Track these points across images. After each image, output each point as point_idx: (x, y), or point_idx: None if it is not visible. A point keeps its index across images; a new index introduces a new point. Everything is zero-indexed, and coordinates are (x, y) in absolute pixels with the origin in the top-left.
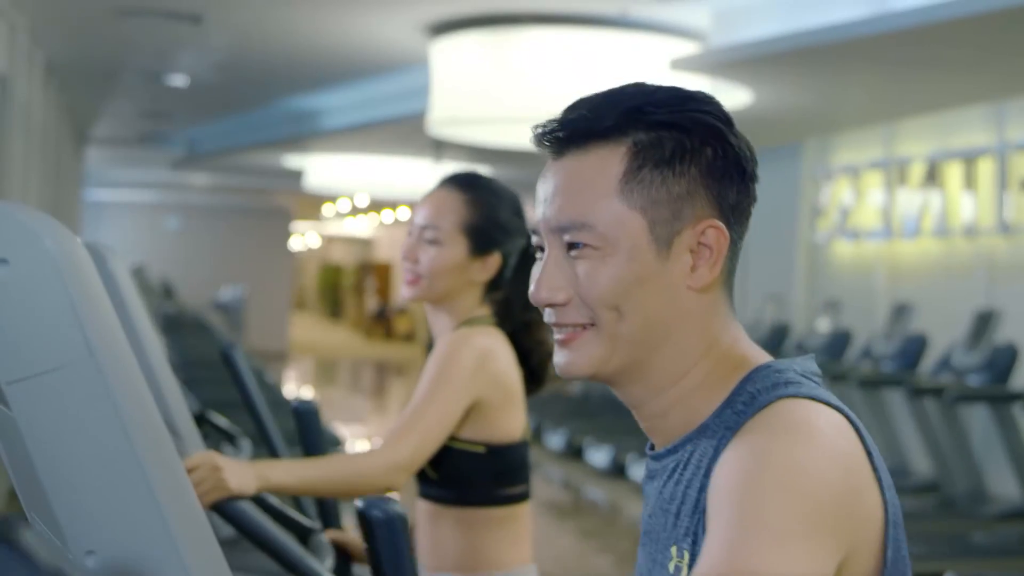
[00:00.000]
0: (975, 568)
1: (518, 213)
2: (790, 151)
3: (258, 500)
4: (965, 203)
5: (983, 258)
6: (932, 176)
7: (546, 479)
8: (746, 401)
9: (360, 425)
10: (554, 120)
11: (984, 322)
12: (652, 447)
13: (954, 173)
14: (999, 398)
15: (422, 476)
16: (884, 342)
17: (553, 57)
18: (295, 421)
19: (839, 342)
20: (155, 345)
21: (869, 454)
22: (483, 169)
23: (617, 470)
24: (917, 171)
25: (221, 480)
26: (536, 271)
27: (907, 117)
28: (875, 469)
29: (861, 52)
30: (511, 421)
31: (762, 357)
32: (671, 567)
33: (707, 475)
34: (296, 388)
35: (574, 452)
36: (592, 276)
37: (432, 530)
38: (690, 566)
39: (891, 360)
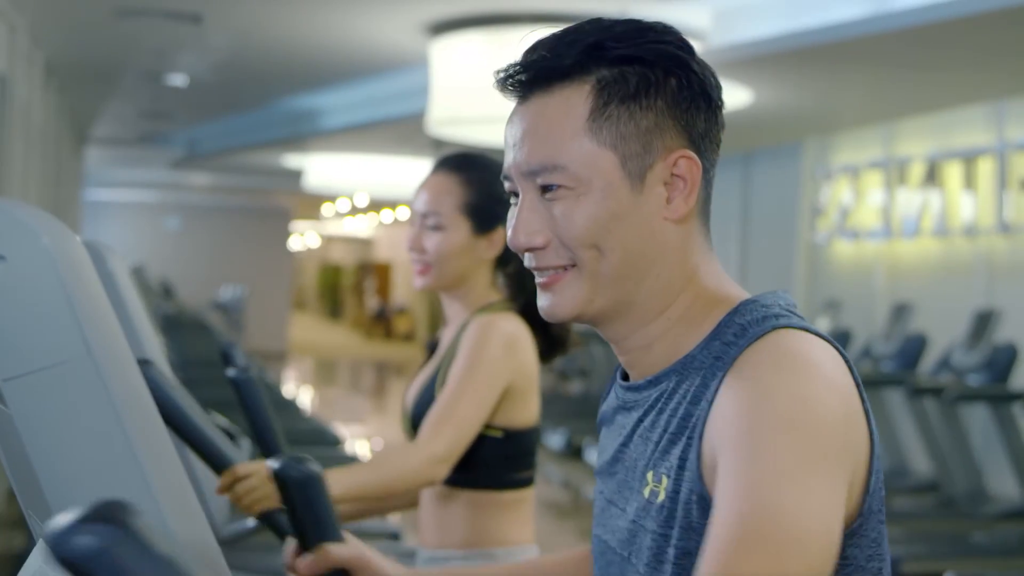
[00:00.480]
0: (975, 568)
1: None
2: (790, 151)
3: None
4: (965, 203)
5: (983, 258)
6: (932, 176)
7: (546, 479)
8: (736, 333)
9: (360, 425)
10: (515, 63)
11: (984, 322)
12: (625, 377)
13: (954, 173)
14: (999, 398)
15: None
16: (884, 342)
17: None
18: (234, 391)
19: (839, 342)
20: (154, 344)
21: (857, 384)
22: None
23: None
24: (917, 171)
25: (273, 491)
26: (511, 217)
27: (907, 117)
28: (862, 399)
29: (861, 52)
30: (530, 407)
31: (743, 293)
32: (646, 492)
33: (694, 403)
34: (296, 388)
35: (574, 452)
36: (569, 216)
37: (439, 510)
38: (668, 491)
39: (891, 360)
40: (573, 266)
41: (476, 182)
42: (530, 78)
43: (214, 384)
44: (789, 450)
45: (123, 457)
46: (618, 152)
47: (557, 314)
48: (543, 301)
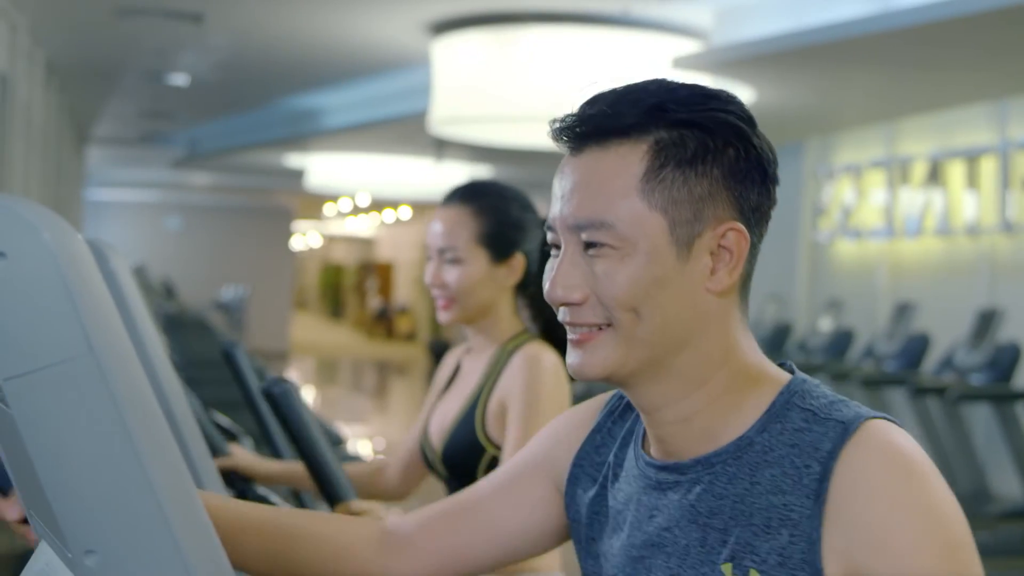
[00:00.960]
0: None
1: (528, 208)
2: (792, 150)
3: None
4: (967, 202)
5: (985, 257)
6: (934, 175)
7: None
8: (808, 419)
9: (362, 425)
10: (572, 115)
11: (986, 321)
12: (649, 456)
13: (956, 172)
14: (1001, 397)
15: (460, 484)
16: (886, 341)
17: (555, 56)
18: (269, 405)
19: (841, 341)
20: (156, 344)
21: None
22: (485, 169)
23: None
24: (919, 170)
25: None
26: (550, 268)
27: (909, 116)
28: None
29: (863, 51)
30: None
31: (775, 368)
32: None
33: (778, 493)
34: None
35: None
36: (611, 276)
37: None
38: None
39: (893, 359)
40: (609, 326)
41: (488, 211)
42: (586, 131)
43: (215, 384)
44: (966, 553)
45: (126, 456)
46: (668, 216)
47: (586, 373)
48: (573, 358)
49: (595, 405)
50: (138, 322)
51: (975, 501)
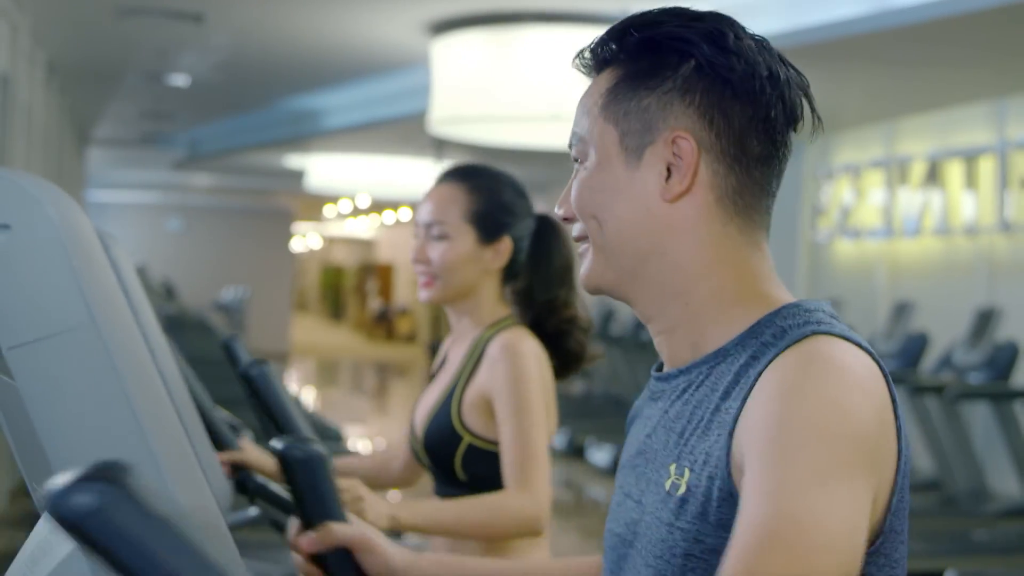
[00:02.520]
0: (976, 565)
1: (521, 194)
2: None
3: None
4: (966, 202)
5: (984, 256)
6: (933, 175)
7: None
8: (775, 334)
9: (362, 426)
10: (587, 46)
11: (985, 320)
12: (659, 368)
13: (955, 172)
14: (1000, 396)
15: (447, 477)
16: (885, 340)
17: (554, 55)
18: (247, 387)
19: None
20: (156, 330)
21: (893, 401)
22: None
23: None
24: (918, 170)
25: (361, 511)
26: None
27: (908, 115)
28: (896, 416)
29: (861, 50)
30: (551, 423)
31: (787, 296)
32: (667, 484)
33: (723, 397)
34: (298, 389)
35: (576, 451)
36: (574, 187)
37: None
38: (689, 484)
39: (892, 358)
40: (586, 238)
41: (483, 190)
42: (585, 63)
43: (216, 382)
44: (818, 456)
45: (127, 424)
46: (619, 128)
47: (583, 284)
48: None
49: None
50: (139, 309)
51: (974, 500)
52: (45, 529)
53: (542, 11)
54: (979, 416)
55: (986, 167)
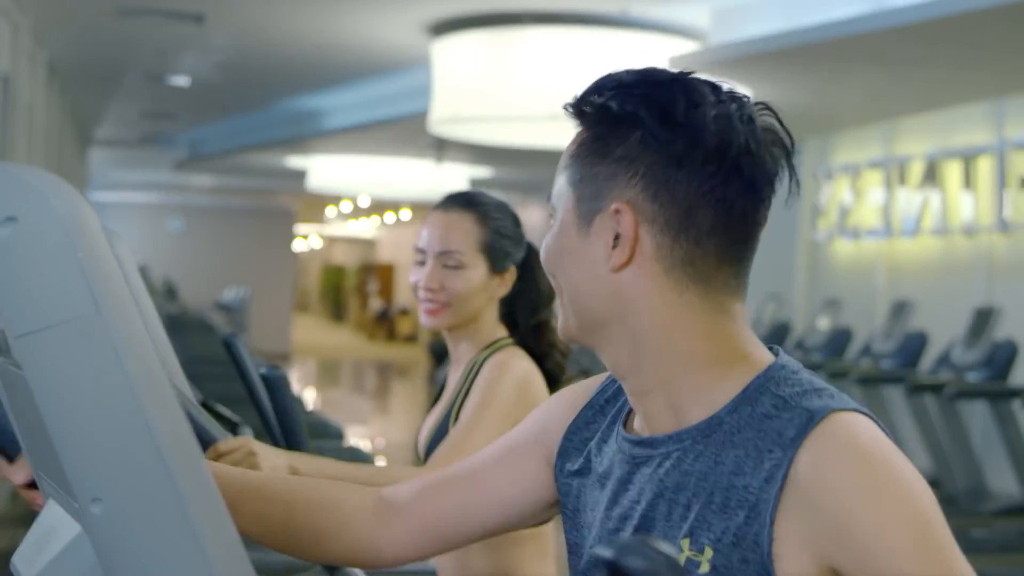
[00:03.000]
0: (975, 564)
1: (517, 222)
2: None
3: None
4: (964, 201)
5: (982, 256)
6: (931, 175)
7: None
8: (777, 405)
9: (363, 426)
10: (573, 98)
11: (983, 319)
12: (625, 423)
13: (953, 172)
14: (998, 394)
15: None
16: (884, 340)
17: (553, 56)
18: (264, 389)
19: (839, 340)
20: (158, 325)
21: None
22: (485, 169)
23: None
24: (916, 170)
25: (255, 465)
26: None
27: (906, 115)
28: None
29: (860, 50)
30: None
31: (766, 354)
32: (681, 559)
33: (738, 475)
34: (299, 389)
35: None
36: (544, 242)
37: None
38: (712, 563)
39: (891, 358)
40: None
41: (490, 220)
42: (568, 114)
43: (217, 381)
44: (943, 540)
45: (129, 409)
46: (576, 192)
47: (559, 334)
48: None
49: (592, 384)
50: (141, 304)
51: (972, 498)
52: (50, 516)
53: (541, 12)
54: (977, 415)
55: (985, 167)
